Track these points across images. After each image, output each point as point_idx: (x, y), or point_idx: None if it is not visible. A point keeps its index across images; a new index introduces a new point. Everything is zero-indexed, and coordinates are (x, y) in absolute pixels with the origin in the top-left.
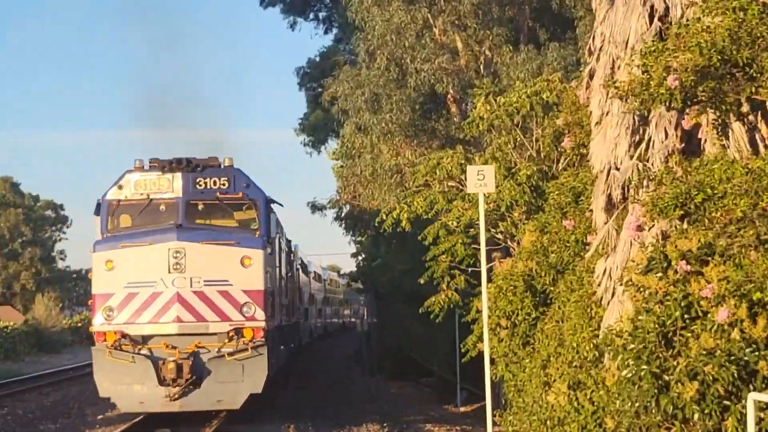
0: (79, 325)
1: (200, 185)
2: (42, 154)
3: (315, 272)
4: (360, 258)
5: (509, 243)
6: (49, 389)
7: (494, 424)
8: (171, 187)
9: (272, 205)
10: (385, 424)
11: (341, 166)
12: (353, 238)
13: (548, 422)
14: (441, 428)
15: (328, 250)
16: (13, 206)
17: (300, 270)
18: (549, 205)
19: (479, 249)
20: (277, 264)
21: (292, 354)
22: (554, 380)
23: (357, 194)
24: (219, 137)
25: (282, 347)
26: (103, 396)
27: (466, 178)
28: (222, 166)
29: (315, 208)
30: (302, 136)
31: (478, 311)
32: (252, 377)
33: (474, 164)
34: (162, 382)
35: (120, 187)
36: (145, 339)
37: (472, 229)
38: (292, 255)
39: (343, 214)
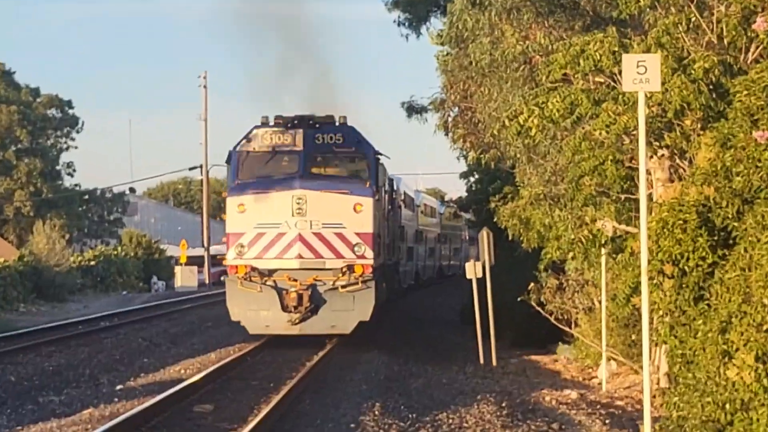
0: (92, 263)
1: (319, 140)
2: (43, 35)
3: (405, 195)
4: (472, 180)
5: (678, 161)
6: (51, 349)
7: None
8: (294, 141)
9: (380, 157)
10: (503, 404)
11: (447, 55)
12: (462, 151)
13: (728, 405)
14: (580, 413)
15: (429, 167)
16: (5, 102)
17: (402, 207)
18: (734, 110)
19: (636, 169)
20: (384, 208)
21: (395, 292)
22: (737, 349)
23: (468, 93)
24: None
25: (384, 284)
26: (235, 320)
27: (620, 72)
28: (337, 123)
29: (412, 110)
30: (396, 12)
31: (633, 253)
32: (361, 306)
33: (632, 53)
34: (285, 309)
35: (249, 140)
36: (271, 272)
37: (627, 142)
38: (394, 194)
39: (449, 120)
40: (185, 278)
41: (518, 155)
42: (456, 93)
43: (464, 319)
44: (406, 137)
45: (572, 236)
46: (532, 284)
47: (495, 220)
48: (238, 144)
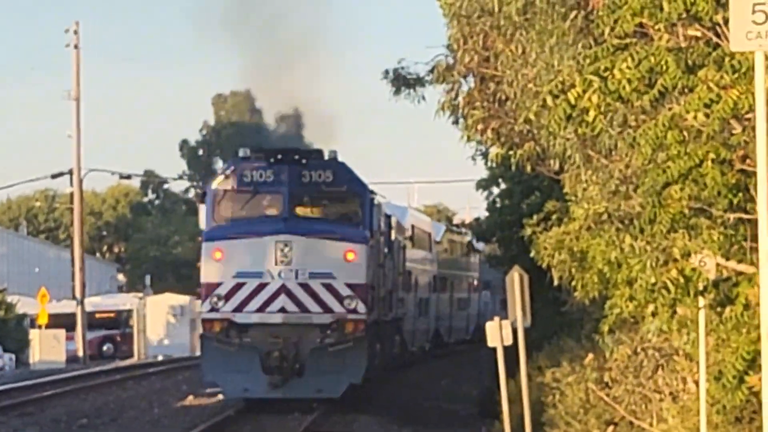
0: None
1: (305, 177)
2: None
3: (414, 231)
4: (495, 191)
5: None
6: None
7: None
8: (278, 178)
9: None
10: None
11: None
12: (481, 147)
13: None
14: None
15: (428, 172)
16: None
17: (407, 247)
18: None
19: (753, 173)
20: (380, 253)
21: (395, 359)
22: None
23: (492, 53)
24: None
25: (379, 345)
26: (209, 381)
27: (726, 22)
28: (326, 158)
29: (402, 82)
30: None
31: (748, 306)
32: (352, 368)
33: None
34: (266, 370)
35: (226, 177)
36: (251, 328)
37: (739, 130)
38: (392, 233)
39: (459, 96)
40: (46, 349)
41: (569, 152)
42: (472, 53)
43: (486, 410)
44: (391, 125)
45: (653, 279)
46: (590, 356)
47: (532, 254)
48: (214, 181)
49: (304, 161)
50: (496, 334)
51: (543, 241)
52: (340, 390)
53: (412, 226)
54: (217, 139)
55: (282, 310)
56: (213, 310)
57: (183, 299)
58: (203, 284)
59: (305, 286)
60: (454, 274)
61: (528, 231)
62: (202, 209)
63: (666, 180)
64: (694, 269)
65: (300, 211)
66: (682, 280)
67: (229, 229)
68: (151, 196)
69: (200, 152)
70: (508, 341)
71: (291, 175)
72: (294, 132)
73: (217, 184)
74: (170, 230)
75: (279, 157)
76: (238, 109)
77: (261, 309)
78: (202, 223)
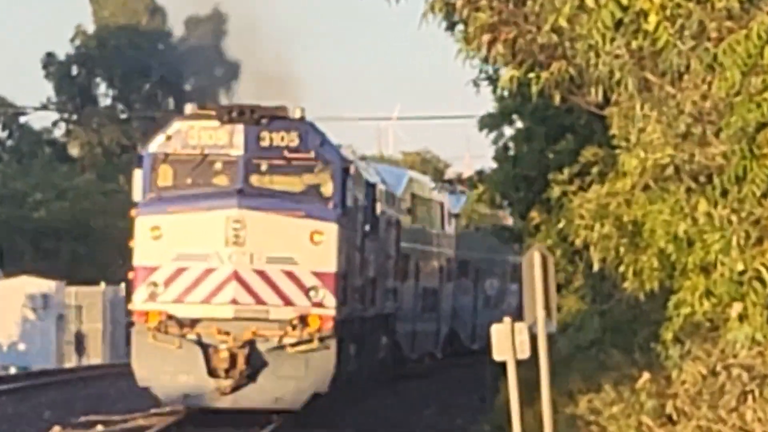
0: None
1: (265, 140)
2: None
3: (414, 200)
4: (507, 133)
5: None
6: None
7: None
8: (230, 141)
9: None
10: None
11: None
12: (486, 69)
13: None
14: None
15: (411, 104)
16: None
17: (400, 222)
18: None
19: None
20: (357, 234)
21: (382, 367)
22: None
23: None
24: None
25: (354, 347)
26: (142, 386)
27: None
28: (293, 118)
29: None
30: None
31: None
32: (317, 374)
33: None
34: (212, 373)
35: (168, 138)
36: (194, 322)
37: None
38: (377, 205)
39: None
40: None
41: (617, 75)
42: None
43: None
44: (357, 36)
45: (741, 266)
46: (645, 376)
47: (561, 225)
48: (153, 142)
49: (263, 120)
50: (506, 342)
51: (578, 207)
52: (302, 400)
53: (412, 196)
54: (99, 52)
55: (233, 301)
56: (149, 299)
57: (47, 285)
58: (136, 267)
59: (262, 274)
60: (483, 257)
61: (556, 191)
62: (137, 176)
63: (762, 118)
64: None
65: (257, 181)
66: None
67: (169, 202)
68: (0, 133)
69: (74, 71)
70: (524, 353)
71: (247, 138)
72: (210, 42)
73: (156, 146)
74: (28, 184)
75: (233, 114)
76: (130, 9)
77: (207, 300)
78: (137, 194)
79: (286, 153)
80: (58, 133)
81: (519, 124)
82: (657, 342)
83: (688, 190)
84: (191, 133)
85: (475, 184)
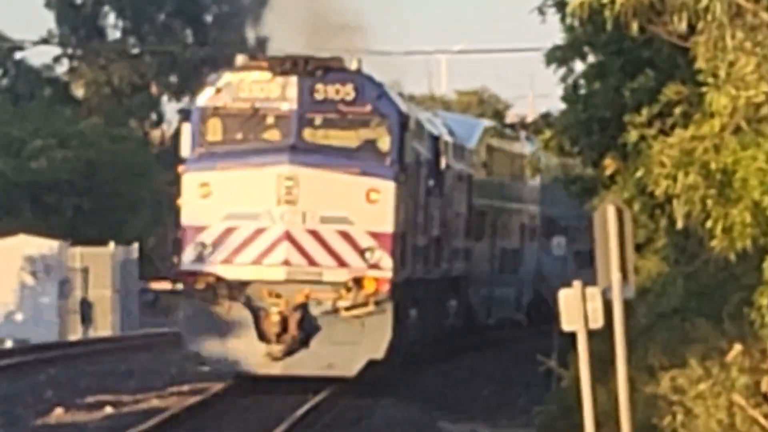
0: None
1: (319, 93)
2: None
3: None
4: (577, 69)
5: None
6: None
7: None
8: (283, 94)
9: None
10: None
11: None
12: None
13: None
14: None
15: (464, 38)
16: None
17: (472, 178)
18: None
19: None
20: (419, 191)
21: (449, 331)
22: None
23: None
24: None
25: (415, 312)
26: (191, 351)
27: None
28: (349, 69)
29: None
30: None
31: None
32: (372, 339)
33: None
34: (263, 337)
35: (218, 91)
36: (245, 285)
37: None
38: (441, 159)
39: None
40: None
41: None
42: None
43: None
44: None
45: None
46: (736, 348)
47: (639, 174)
48: (202, 95)
49: (318, 72)
50: (577, 309)
51: (658, 153)
52: (357, 367)
53: (488, 147)
54: None
55: (285, 263)
56: (197, 260)
57: (47, 246)
58: (183, 227)
59: (315, 234)
60: (573, 213)
61: (633, 135)
62: (185, 131)
63: None
64: None
65: (311, 136)
66: None
67: (219, 158)
68: None
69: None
70: (597, 322)
71: (301, 90)
72: None
73: (206, 99)
74: (26, 130)
75: (286, 66)
76: None
77: (258, 261)
78: (185, 149)
79: (341, 107)
80: (60, 70)
81: (591, 59)
82: (750, 309)
83: None
84: (242, 86)
85: (541, 129)
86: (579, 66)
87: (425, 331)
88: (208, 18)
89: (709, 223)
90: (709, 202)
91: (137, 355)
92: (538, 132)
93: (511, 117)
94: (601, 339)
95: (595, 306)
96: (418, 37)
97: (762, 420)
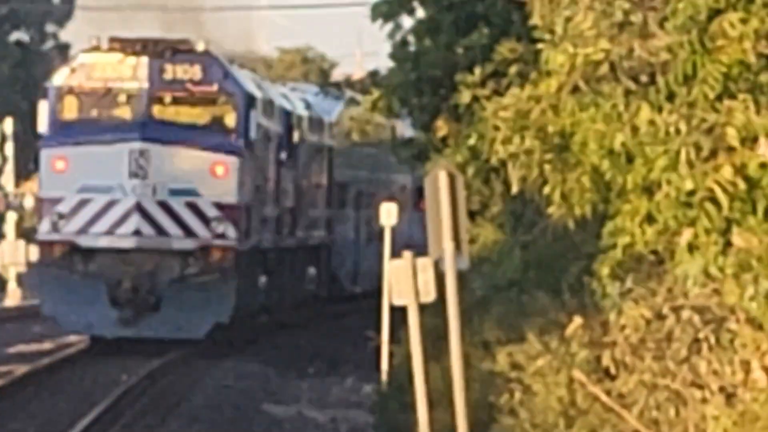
0: None
1: (168, 73)
2: None
3: None
4: (406, 25)
5: None
6: None
7: None
8: (134, 74)
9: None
10: None
11: None
12: None
13: None
14: None
15: None
16: None
17: (332, 150)
18: None
19: None
20: (268, 164)
21: (311, 296)
22: None
23: None
24: None
25: (264, 279)
26: (48, 315)
27: None
28: (195, 51)
29: None
30: None
31: None
32: (218, 304)
33: None
34: (115, 303)
35: (72, 71)
36: (98, 253)
37: None
38: (294, 134)
39: None
40: None
41: None
42: None
43: (385, 419)
44: None
45: (690, 184)
46: (576, 321)
47: (473, 139)
48: (58, 75)
49: (167, 53)
50: (407, 282)
51: (492, 115)
52: (204, 330)
53: (352, 119)
54: None
55: (136, 232)
56: (53, 230)
57: None
58: (40, 199)
59: (164, 205)
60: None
61: (466, 96)
62: (43, 108)
63: (715, 4)
64: (764, 165)
65: (160, 114)
66: (742, 185)
67: (73, 134)
68: None
69: None
70: (429, 295)
71: (151, 71)
72: None
73: (61, 79)
74: None
75: (137, 47)
76: None
77: (110, 231)
78: (42, 126)
79: (189, 86)
80: None
81: (421, 13)
82: (591, 279)
83: (627, 92)
84: (95, 66)
85: (368, 89)
86: (408, 21)
87: (280, 298)
88: None
89: (546, 189)
90: (547, 167)
91: None
92: (365, 92)
93: (337, 76)
94: (435, 313)
95: (427, 278)
96: None
97: (603, 397)
